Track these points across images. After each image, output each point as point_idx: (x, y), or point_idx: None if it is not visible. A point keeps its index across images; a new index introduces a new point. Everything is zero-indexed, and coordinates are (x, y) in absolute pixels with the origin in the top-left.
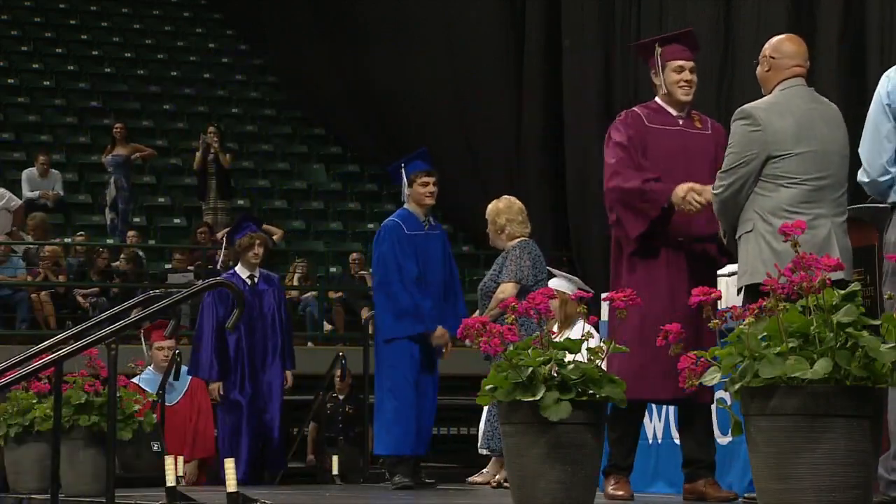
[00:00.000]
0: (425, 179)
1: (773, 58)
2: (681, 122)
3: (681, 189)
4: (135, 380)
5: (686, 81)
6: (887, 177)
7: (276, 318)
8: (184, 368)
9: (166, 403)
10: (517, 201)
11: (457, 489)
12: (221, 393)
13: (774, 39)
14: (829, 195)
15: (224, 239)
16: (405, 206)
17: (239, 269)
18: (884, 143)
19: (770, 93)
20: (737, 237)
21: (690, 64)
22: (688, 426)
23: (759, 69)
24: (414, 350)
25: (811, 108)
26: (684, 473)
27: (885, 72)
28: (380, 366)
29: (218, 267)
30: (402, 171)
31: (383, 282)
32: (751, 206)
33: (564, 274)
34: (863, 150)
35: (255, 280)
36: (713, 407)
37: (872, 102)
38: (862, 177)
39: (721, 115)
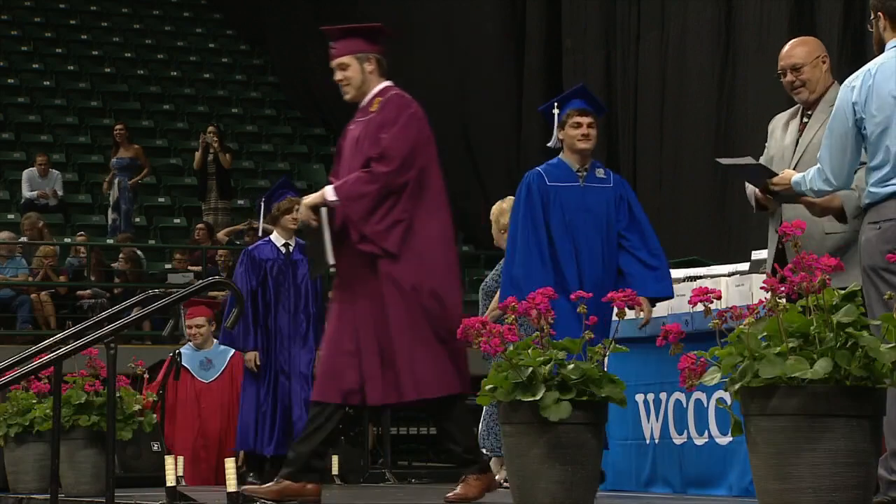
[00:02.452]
0: (578, 119)
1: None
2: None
3: None
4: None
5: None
6: (852, 185)
7: (309, 290)
8: (220, 347)
9: (203, 380)
10: None
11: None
12: (258, 363)
13: (807, 42)
14: None
15: (262, 205)
16: (560, 154)
17: (274, 236)
18: (850, 154)
19: (823, 93)
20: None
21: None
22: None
23: (813, 72)
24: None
25: None
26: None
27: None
28: None
29: (259, 234)
30: (556, 111)
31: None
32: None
33: None
34: (824, 158)
35: (291, 249)
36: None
37: (833, 113)
38: (822, 185)
39: (721, 115)
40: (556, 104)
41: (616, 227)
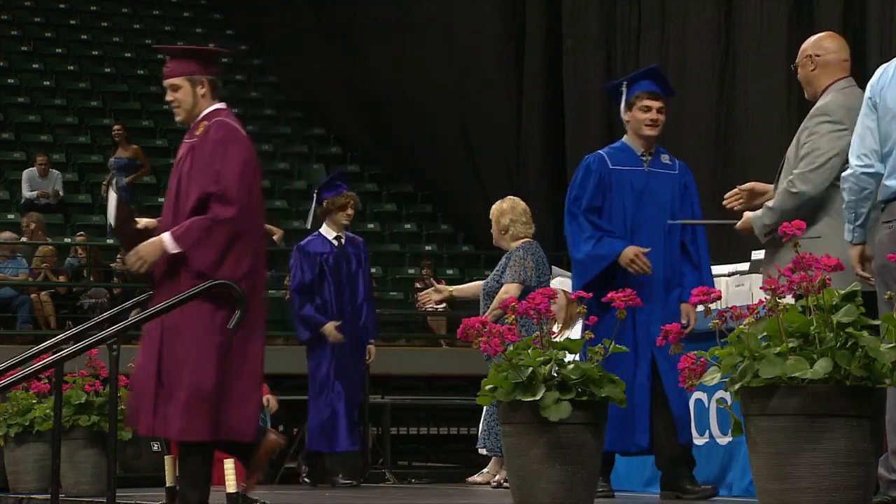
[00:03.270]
0: (647, 103)
1: (817, 56)
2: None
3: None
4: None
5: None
6: (868, 170)
7: (359, 284)
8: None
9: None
10: (521, 202)
11: (457, 489)
12: (333, 336)
13: (813, 38)
14: None
15: (315, 196)
16: (624, 137)
17: (325, 229)
18: (865, 137)
19: (819, 93)
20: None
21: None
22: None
23: (801, 71)
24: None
25: None
26: None
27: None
28: None
29: (307, 226)
30: (624, 90)
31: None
32: (818, 209)
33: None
34: (854, 145)
35: (342, 242)
36: None
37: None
38: (845, 171)
39: (721, 115)
40: (625, 83)
41: (679, 215)
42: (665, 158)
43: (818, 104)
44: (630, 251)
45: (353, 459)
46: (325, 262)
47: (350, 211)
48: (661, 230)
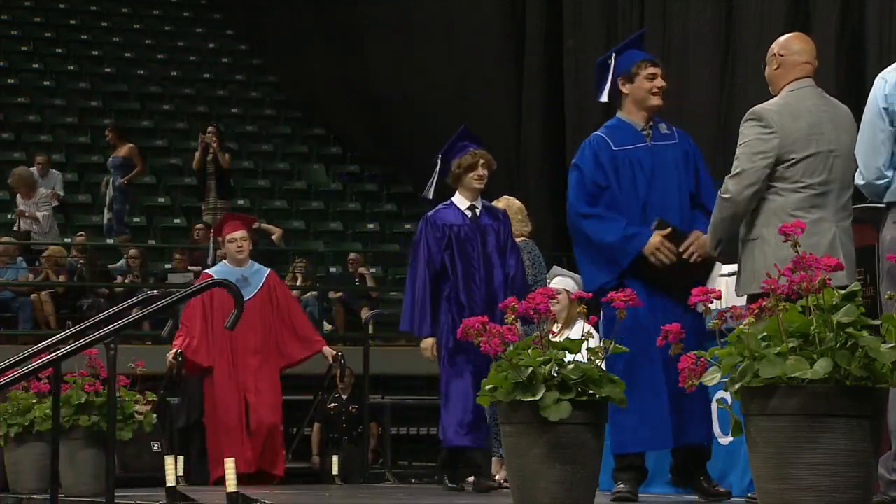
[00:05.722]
0: (651, 70)
1: (781, 55)
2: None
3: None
4: (209, 270)
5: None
6: (884, 180)
7: (495, 266)
8: (255, 266)
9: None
10: (517, 201)
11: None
12: (435, 351)
13: (782, 38)
14: (833, 199)
15: (437, 162)
16: (618, 113)
17: (456, 198)
18: (880, 147)
19: (779, 92)
20: (741, 243)
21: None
22: None
23: (767, 69)
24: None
25: (821, 110)
26: None
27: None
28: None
29: (429, 196)
30: (612, 61)
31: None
32: (756, 211)
33: (573, 274)
34: (859, 153)
35: (477, 212)
36: None
37: (867, 105)
38: (858, 179)
39: (722, 114)
40: (613, 54)
41: (687, 183)
42: (663, 128)
43: (754, 107)
44: (657, 239)
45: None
46: (455, 237)
47: (482, 171)
48: (674, 205)
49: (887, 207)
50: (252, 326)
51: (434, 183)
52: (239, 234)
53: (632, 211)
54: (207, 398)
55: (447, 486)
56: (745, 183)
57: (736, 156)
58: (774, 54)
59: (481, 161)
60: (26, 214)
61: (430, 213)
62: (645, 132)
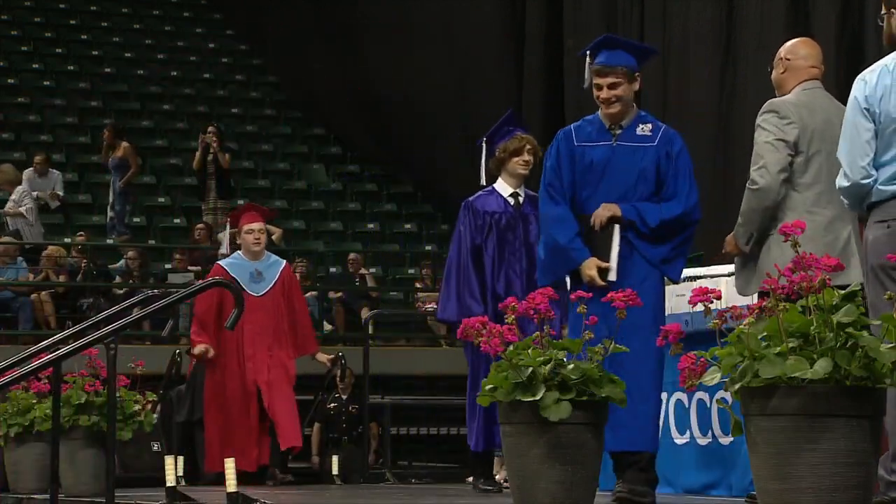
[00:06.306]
0: (597, 81)
1: (788, 59)
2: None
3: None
4: (223, 262)
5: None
6: (869, 179)
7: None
8: (271, 259)
9: (254, 293)
10: None
11: (457, 489)
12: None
13: (789, 43)
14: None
15: (483, 146)
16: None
17: (499, 184)
18: (865, 146)
19: (787, 94)
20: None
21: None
22: None
23: (774, 73)
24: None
25: (831, 111)
26: None
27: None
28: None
29: (481, 182)
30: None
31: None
32: (775, 207)
33: None
34: (843, 155)
35: (520, 199)
36: None
37: (849, 106)
38: (841, 181)
39: (722, 114)
40: (588, 52)
41: (644, 190)
42: (644, 129)
43: (770, 101)
44: (590, 267)
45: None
46: (495, 224)
47: (527, 157)
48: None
49: (869, 209)
50: (266, 322)
51: (484, 167)
52: (257, 225)
53: (579, 209)
54: (210, 391)
55: (481, 489)
56: (774, 171)
57: (756, 150)
58: (781, 58)
59: (527, 146)
60: (10, 213)
61: (470, 199)
62: (613, 131)
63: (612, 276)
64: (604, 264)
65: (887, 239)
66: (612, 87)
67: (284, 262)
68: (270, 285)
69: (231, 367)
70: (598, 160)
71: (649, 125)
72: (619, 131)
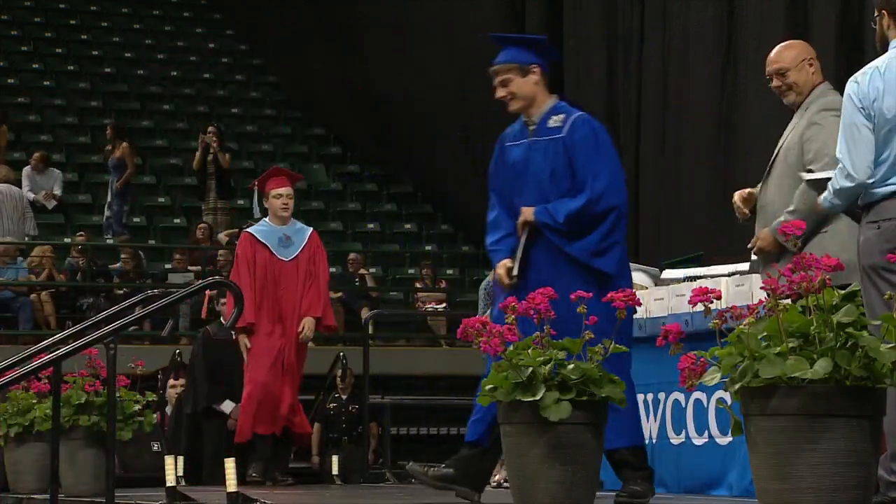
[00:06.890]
0: (495, 83)
1: (811, 60)
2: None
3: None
4: (250, 229)
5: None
6: (872, 179)
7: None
8: (298, 225)
9: (283, 258)
10: None
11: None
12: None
13: (798, 47)
14: None
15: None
16: None
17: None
18: (869, 145)
19: (806, 95)
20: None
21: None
22: None
23: (801, 76)
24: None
25: None
26: None
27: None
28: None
29: None
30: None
31: None
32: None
33: (643, 266)
34: (844, 156)
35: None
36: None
37: (844, 109)
38: (844, 182)
39: (722, 114)
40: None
41: (554, 188)
42: (555, 121)
43: (821, 101)
44: (499, 267)
45: None
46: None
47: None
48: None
49: (864, 208)
50: (295, 286)
51: None
52: (285, 190)
53: (505, 211)
54: (252, 358)
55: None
56: (861, 157)
57: (823, 151)
58: (805, 59)
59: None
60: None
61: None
62: (530, 127)
63: (514, 272)
64: (510, 264)
65: (877, 240)
66: (503, 84)
67: (312, 229)
68: (299, 250)
69: (263, 332)
70: (518, 159)
71: (561, 115)
72: (533, 126)
